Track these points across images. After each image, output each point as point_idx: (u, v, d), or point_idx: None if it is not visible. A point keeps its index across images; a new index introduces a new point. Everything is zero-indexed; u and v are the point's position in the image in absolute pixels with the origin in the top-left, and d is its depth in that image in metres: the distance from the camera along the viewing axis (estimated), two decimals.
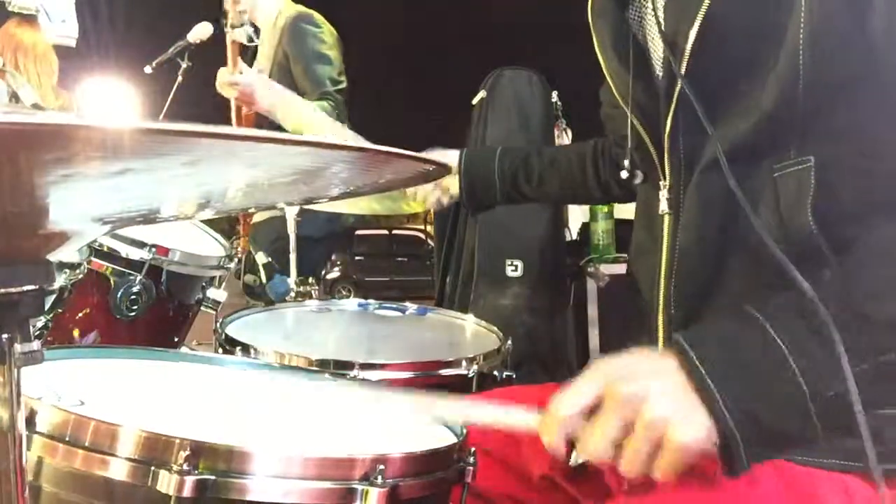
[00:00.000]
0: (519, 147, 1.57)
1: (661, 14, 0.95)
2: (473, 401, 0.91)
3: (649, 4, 0.97)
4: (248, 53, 2.94)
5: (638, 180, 1.08)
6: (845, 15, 0.81)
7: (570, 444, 1.03)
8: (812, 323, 0.75)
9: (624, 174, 1.08)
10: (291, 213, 2.35)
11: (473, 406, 0.91)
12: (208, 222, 2.00)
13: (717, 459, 0.77)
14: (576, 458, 1.03)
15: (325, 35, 3.09)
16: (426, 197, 1.60)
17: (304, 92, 2.94)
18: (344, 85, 3.05)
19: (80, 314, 1.60)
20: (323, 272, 3.26)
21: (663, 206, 0.96)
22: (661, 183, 0.97)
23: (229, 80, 2.07)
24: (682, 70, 0.90)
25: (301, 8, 3.13)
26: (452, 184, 1.53)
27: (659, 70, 0.97)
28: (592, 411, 0.78)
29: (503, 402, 0.87)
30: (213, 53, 3.03)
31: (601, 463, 0.80)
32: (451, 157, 1.52)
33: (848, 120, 0.83)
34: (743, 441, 0.75)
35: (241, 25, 2.20)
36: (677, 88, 0.91)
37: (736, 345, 0.79)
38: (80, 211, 0.54)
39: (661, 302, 0.97)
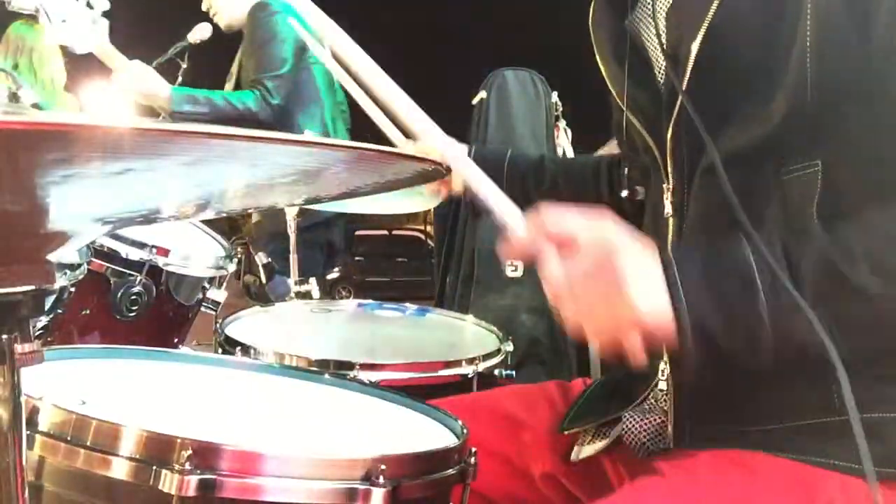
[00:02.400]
0: (529, 153, 1.54)
1: (661, 23, 0.94)
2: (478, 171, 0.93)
3: (649, 10, 0.97)
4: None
5: (639, 196, 1.09)
6: (848, 21, 0.80)
7: (571, 443, 1.03)
8: (793, 268, 0.77)
9: (624, 193, 1.09)
10: (291, 214, 2.35)
11: (477, 172, 0.94)
12: (208, 222, 2.00)
13: (656, 342, 0.80)
14: (577, 454, 1.04)
15: (274, 22, 2.89)
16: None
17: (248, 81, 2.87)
18: (283, 70, 2.85)
19: (80, 314, 1.60)
20: (322, 272, 3.22)
21: (667, 210, 0.96)
22: (665, 186, 0.97)
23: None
24: (685, 79, 0.90)
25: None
26: (456, 179, 1.48)
27: (660, 76, 0.97)
28: (571, 240, 0.81)
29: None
30: (213, 53, 3.03)
31: (554, 295, 0.82)
32: (459, 149, 1.49)
33: (855, 124, 0.83)
34: (693, 340, 0.77)
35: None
36: (680, 96, 0.91)
37: (714, 258, 0.82)
38: (80, 211, 0.54)
39: None
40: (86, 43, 2.17)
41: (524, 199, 1.48)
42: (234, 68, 3.10)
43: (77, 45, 2.14)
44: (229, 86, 3.12)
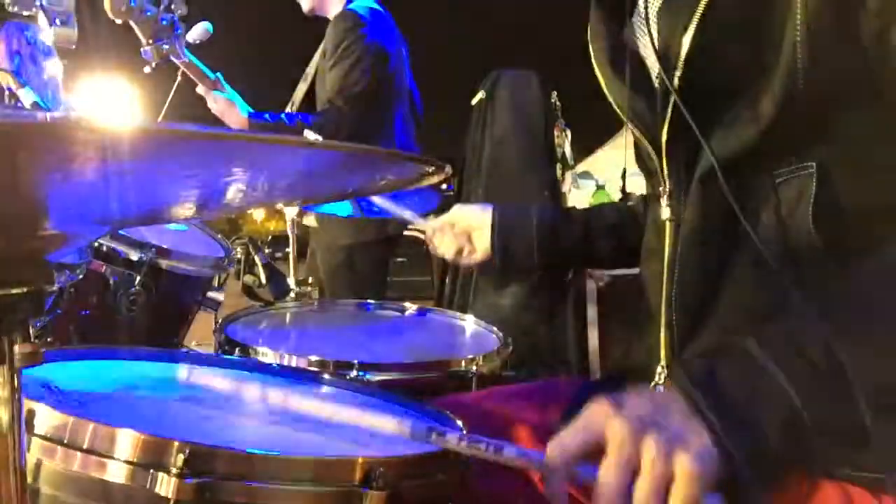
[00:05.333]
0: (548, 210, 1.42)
1: (654, 26, 0.95)
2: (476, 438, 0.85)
3: (643, 16, 0.97)
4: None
5: (631, 203, 1.08)
6: (836, 17, 0.80)
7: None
8: (807, 354, 0.73)
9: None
10: (291, 214, 2.35)
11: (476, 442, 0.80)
12: (208, 222, 2.00)
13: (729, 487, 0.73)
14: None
15: (360, 40, 2.85)
16: (443, 249, 1.46)
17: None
18: (356, 90, 2.81)
19: (80, 314, 1.59)
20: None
21: (665, 213, 0.97)
22: (662, 189, 0.97)
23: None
24: (676, 80, 0.90)
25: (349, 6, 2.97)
26: (480, 240, 1.39)
27: (656, 81, 0.97)
28: (594, 451, 0.73)
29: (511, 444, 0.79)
30: (213, 53, 3.03)
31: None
32: (482, 213, 1.39)
33: (848, 125, 0.83)
34: (749, 462, 0.72)
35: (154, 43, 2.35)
36: (672, 97, 0.91)
37: (733, 379, 0.76)
38: (80, 211, 0.54)
39: (662, 306, 0.97)
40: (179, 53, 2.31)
41: (558, 255, 1.35)
42: (311, 70, 3.07)
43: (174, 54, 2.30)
44: (303, 85, 3.10)
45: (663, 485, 0.70)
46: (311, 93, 3.07)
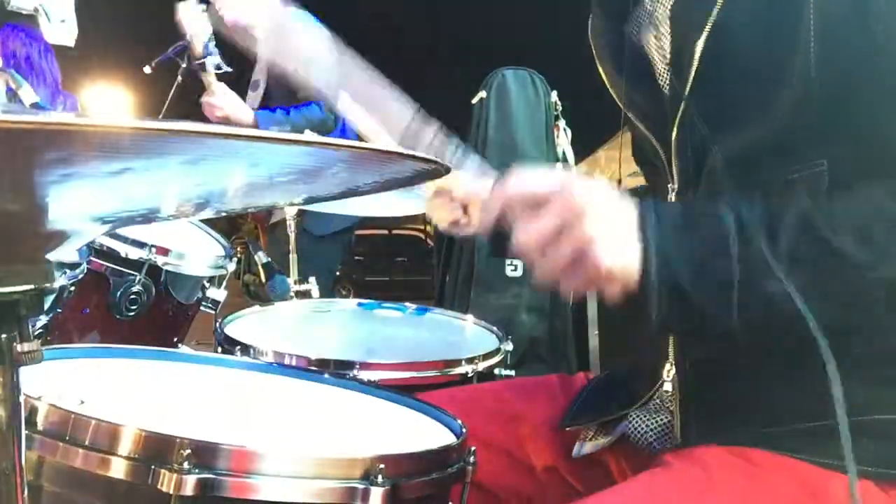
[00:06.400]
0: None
1: (662, 26, 0.94)
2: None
3: (648, 14, 0.96)
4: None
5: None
6: (851, 14, 0.80)
7: (573, 437, 1.02)
8: (771, 228, 0.77)
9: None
10: (291, 213, 2.35)
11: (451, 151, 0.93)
12: (208, 222, 2.00)
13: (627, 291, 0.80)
14: (579, 449, 1.04)
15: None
16: (438, 214, 1.50)
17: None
18: None
19: (80, 314, 1.59)
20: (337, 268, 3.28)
21: None
22: (670, 186, 0.97)
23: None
24: (690, 79, 0.90)
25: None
26: (477, 213, 1.44)
27: (661, 79, 0.97)
28: (539, 203, 0.80)
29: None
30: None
31: (524, 255, 0.82)
32: (483, 183, 1.43)
33: (860, 123, 0.83)
34: (658, 289, 0.78)
35: (206, 56, 2.49)
36: (684, 99, 0.91)
37: (690, 211, 0.83)
38: (79, 211, 0.54)
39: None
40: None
41: None
42: (262, 78, 3.10)
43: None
44: (254, 94, 3.12)
45: (573, 260, 0.78)
46: (265, 99, 3.09)
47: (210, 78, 2.65)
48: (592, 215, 0.78)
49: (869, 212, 0.78)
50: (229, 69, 2.67)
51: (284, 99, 2.97)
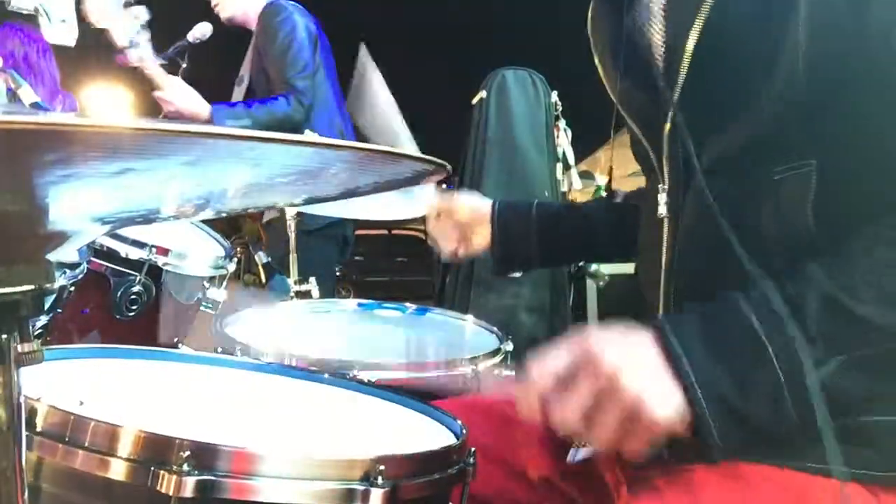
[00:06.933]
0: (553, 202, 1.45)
1: (659, 22, 0.94)
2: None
3: (647, 8, 0.97)
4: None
5: (617, 199, 1.08)
6: (841, 16, 0.80)
7: (568, 442, 1.03)
8: (794, 310, 0.76)
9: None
10: (291, 213, 2.35)
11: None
12: (208, 222, 2.00)
13: (688, 437, 0.78)
14: (573, 456, 1.04)
15: (291, 25, 2.95)
16: (440, 241, 1.46)
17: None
18: (309, 71, 2.91)
19: (80, 314, 1.59)
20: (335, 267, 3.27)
21: (661, 210, 0.96)
22: (661, 186, 0.97)
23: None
24: (682, 75, 0.90)
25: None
26: (478, 236, 1.38)
27: (658, 74, 0.97)
28: (568, 380, 0.79)
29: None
30: (213, 53, 3.03)
31: (574, 434, 0.81)
32: (482, 206, 1.38)
33: (849, 123, 0.83)
34: (713, 420, 0.76)
35: (129, 47, 2.39)
36: (676, 95, 0.91)
37: (713, 326, 0.80)
38: (79, 211, 0.54)
39: (661, 303, 0.97)
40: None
41: (558, 250, 1.36)
42: (246, 73, 3.10)
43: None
44: (239, 90, 3.13)
45: (624, 423, 0.77)
46: (248, 94, 3.09)
47: (155, 71, 2.60)
48: (626, 372, 0.77)
49: (881, 268, 0.78)
50: (166, 61, 2.61)
51: (264, 94, 2.96)
